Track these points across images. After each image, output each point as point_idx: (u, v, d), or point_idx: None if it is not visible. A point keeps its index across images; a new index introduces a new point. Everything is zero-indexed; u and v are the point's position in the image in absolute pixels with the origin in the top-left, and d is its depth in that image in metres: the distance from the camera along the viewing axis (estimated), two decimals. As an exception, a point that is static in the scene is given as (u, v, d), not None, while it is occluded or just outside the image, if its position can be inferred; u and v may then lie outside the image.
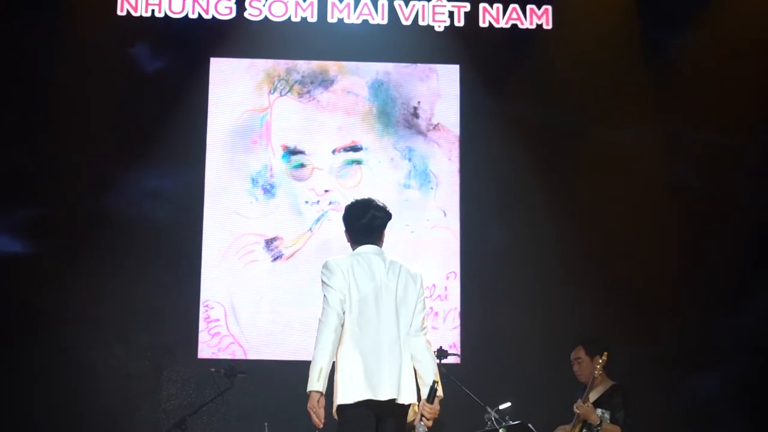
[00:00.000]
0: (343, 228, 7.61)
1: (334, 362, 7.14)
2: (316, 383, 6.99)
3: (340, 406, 7.10)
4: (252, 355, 11.80)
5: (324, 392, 7.00)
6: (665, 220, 11.91)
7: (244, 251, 12.03)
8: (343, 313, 7.18)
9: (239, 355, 11.78)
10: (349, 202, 7.63)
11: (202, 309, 11.86)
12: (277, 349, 11.76)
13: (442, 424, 9.74)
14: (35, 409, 11.25)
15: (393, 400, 7.10)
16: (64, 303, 11.44)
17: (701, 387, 11.52)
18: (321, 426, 7.07)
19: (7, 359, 11.34)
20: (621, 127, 11.92)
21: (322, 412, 7.03)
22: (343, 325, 7.17)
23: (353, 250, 7.50)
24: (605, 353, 8.89)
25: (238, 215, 12.08)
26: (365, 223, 7.47)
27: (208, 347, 11.81)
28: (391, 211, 7.60)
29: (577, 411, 8.79)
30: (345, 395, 7.08)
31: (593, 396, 9.03)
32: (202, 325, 11.83)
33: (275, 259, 12.04)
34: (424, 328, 7.35)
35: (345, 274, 7.23)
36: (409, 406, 7.20)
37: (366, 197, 7.62)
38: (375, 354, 7.12)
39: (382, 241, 7.55)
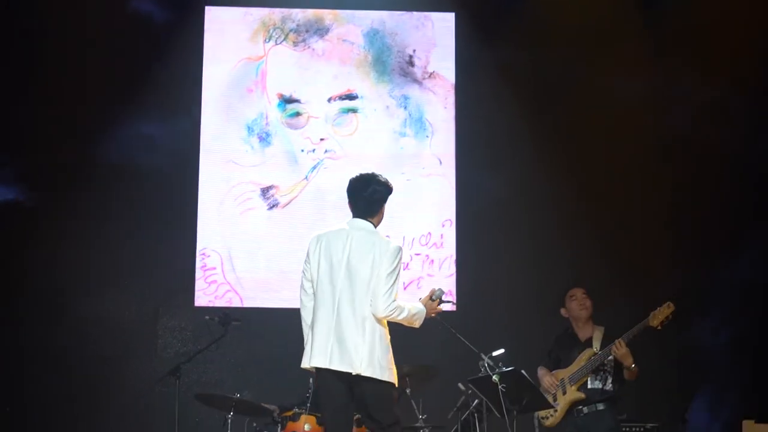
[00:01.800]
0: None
1: None
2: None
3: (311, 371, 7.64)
4: (248, 303, 11.88)
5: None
6: (659, 169, 11.93)
7: (240, 199, 12.07)
8: (312, 291, 7.64)
9: (236, 303, 11.85)
10: (353, 176, 7.82)
11: (198, 257, 11.92)
12: (274, 297, 11.82)
13: (437, 371, 9.85)
14: (31, 358, 11.34)
15: (349, 373, 7.44)
16: (59, 251, 11.49)
17: (697, 339, 11.55)
18: None
19: (2, 308, 11.40)
20: (615, 76, 11.89)
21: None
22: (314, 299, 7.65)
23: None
24: (671, 303, 8.80)
25: (233, 164, 12.11)
26: (366, 196, 7.72)
27: (204, 295, 11.88)
28: (392, 185, 7.82)
29: (617, 352, 8.76)
30: (303, 360, 7.57)
31: (595, 342, 9.08)
32: (198, 273, 11.90)
33: (271, 208, 12.08)
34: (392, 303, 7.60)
35: (314, 252, 7.66)
36: (375, 379, 7.47)
37: (370, 172, 7.83)
38: (328, 326, 7.50)
39: (381, 214, 7.81)
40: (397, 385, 7.63)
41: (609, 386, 8.90)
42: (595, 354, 8.95)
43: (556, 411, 8.97)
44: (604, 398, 8.89)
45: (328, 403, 7.56)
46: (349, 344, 7.43)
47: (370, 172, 7.81)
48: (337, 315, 7.48)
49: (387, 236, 7.93)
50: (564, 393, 8.95)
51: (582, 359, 8.99)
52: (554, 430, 9.13)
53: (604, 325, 9.17)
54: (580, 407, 8.90)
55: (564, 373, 9.07)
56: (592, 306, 9.21)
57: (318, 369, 7.48)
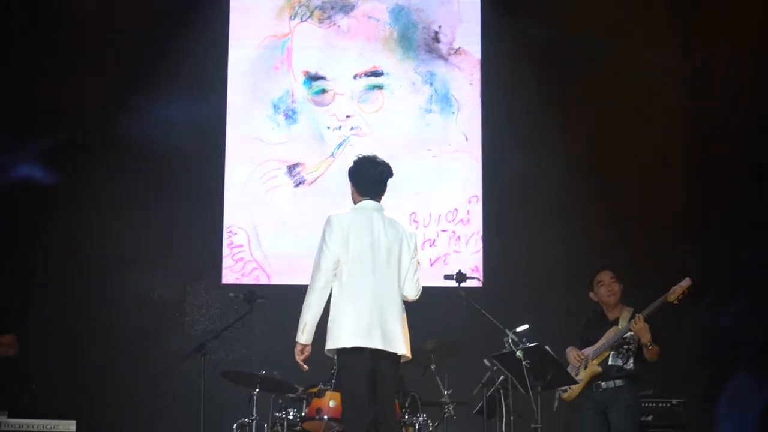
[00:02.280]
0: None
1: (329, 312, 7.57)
2: (300, 336, 7.56)
3: (338, 350, 7.51)
4: (275, 280, 11.91)
5: (308, 344, 7.57)
6: (686, 146, 11.88)
7: (266, 177, 12.10)
8: (335, 273, 7.56)
9: (263, 281, 11.89)
10: (356, 158, 7.86)
11: (225, 235, 11.96)
12: (300, 274, 11.75)
13: (462, 347, 9.86)
14: (57, 337, 11.40)
15: (383, 351, 7.47)
16: (86, 231, 11.56)
17: (726, 318, 11.50)
18: (305, 370, 7.67)
19: (27, 287, 11.47)
20: (642, 50, 11.82)
21: (302, 359, 7.58)
22: (340, 278, 7.56)
23: (355, 204, 7.79)
24: (688, 279, 8.76)
25: (260, 141, 12.13)
26: (374, 177, 7.77)
27: (231, 273, 11.92)
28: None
29: (635, 327, 8.73)
30: (340, 340, 7.48)
31: (622, 322, 9.05)
32: (225, 251, 11.94)
33: (298, 185, 12.11)
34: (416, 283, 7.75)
35: (343, 231, 7.58)
36: (401, 356, 7.58)
37: (370, 153, 7.88)
38: (368, 305, 7.49)
39: (383, 196, 7.85)
40: None
41: (630, 365, 8.85)
42: (618, 330, 8.92)
43: (573, 385, 8.92)
44: (622, 375, 8.84)
45: (362, 382, 7.50)
46: (393, 325, 7.49)
47: (370, 153, 7.87)
48: (378, 295, 7.50)
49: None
50: (585, 367, 8.93)
51: (607, 336, 8.97)
52: (574, 403, 9.11)
53: (633, 306, 9.12)
54: (599, 382, 8.87)
55: (590, 350, 9.06)
56: (620, 290, 9.14)
57: (356, 348, 7.43)
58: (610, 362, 8.88)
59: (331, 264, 7.54)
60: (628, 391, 8.86)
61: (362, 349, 7.43)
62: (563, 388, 9.00)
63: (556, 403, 9.13)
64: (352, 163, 7.87)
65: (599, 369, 8.86)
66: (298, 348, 7.55)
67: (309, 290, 7.57)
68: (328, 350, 7.55)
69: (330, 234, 7.60)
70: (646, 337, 8.69)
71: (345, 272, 7.53)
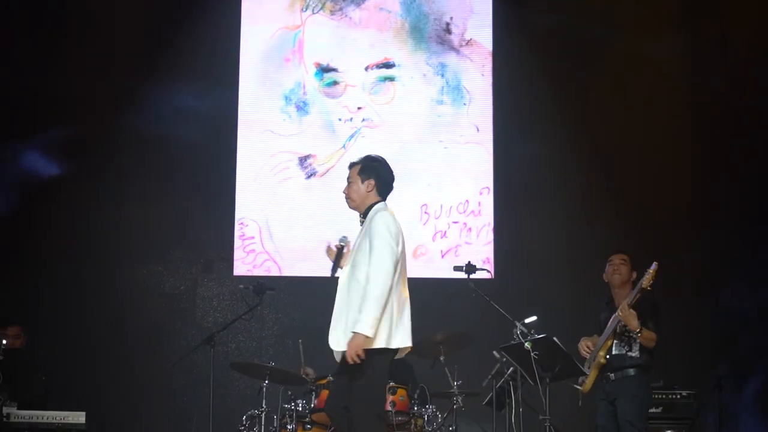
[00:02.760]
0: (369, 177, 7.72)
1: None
2: (370, 331, 7.36)
3: (381, 350, 7.47)
4: (287, 272, 11.93)
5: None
6: (694, 133, 11.85)
7: (278, 169, 12.10)
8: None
9: (274, 272, 11.90)
10: (376, 156, 7.84)
11: (237, 227, 11.98)
12: (312, 266, 11.82)
13: (471, 339, 9.85)
14: (69, 328, 11.43)
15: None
16: (98, 222, 11.61)
17: (731, 307, 11.48)
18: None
19: (39, 279, 11.51)
20: (652, 38, 11.80)
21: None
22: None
23: (377, 201, 7.69)
24: (656, 263, 8.73)
25: (271, 133, 12.13)
26: (392, 180, 7.78)
27: (243, 264, 11.94)
28: None
29: (620, 314, 8.68)
30: (394, 341, 7.49)
31: (620, 308, 9.00)
32: (237, 242, 11.96)
33: (309, 177, 12.11)
34: None
35: (400, 233, 7.59)
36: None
37: (380, 156, 7.87)
38: (409, 309, 7.61)
39: None
40: None
41: (635, 353, 8.76)
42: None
43: (587, 377, 8.88)
44: (629, 365, 8.74)
45: (386, 379, 7.83)
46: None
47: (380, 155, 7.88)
48: (406, 296, 7.63)
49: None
50: (594, 359, 8.88)
51: (611, 323, 8.90)
52: (591, 395, 9.07)
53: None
54: (608, 373, 8.81)
55: (598, 339, 9.01)
56: (628, 272, 9.05)
57: (393, 349, 7.52)
58: (614, 351, 8.78)
59: (396, 265, 7.49)
60: (635, 382, 8.72)
61: (393, 350, 7.56)
62: (580, 380, 8.93)
63: (580, 400, 9.05)
64: (372, 160, 7.80)
65: (603, 361, 8.78)
66: (360, 341, 7.33)
67: (382, 289, 7.38)
68: (375, 348, 7.47)
69: (396, 238, 7.53)
70: (632, 323, 8.58)
71: (396, 274, 7.48)
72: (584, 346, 8.98)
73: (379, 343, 7.43)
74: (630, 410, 8.66)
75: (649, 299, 8.73)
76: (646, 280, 8.56)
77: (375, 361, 7.44)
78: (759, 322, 11.39)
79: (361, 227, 7.72)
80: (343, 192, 7.82)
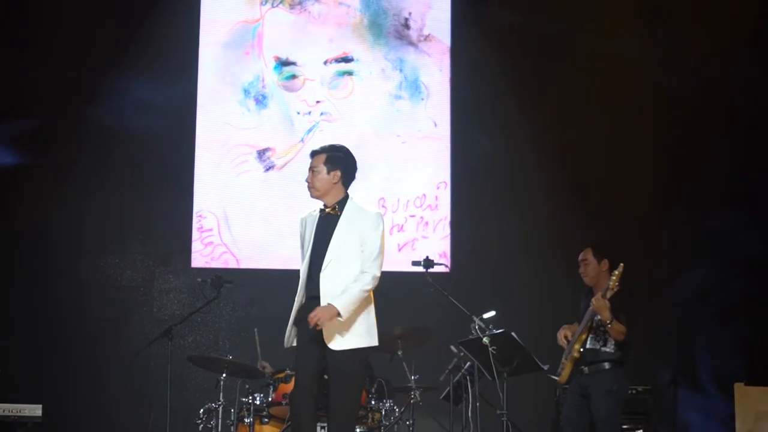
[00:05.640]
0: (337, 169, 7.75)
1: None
2: (344, 312, 7.48)
3: (368, 348, 7.67)
4: (245, 264, 11.94)
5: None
6: (652, 127, 11.95)
7: (236, 162, 12.11)
8: None
9: (232, 264, 11.91)
10: (340, 147, 7.85)
11: (195, 219, 11.96)
12: (270, 258, 11.87)
13: (429, 333, 9.88)
14: (26, 321, 11.38)
15: None
16: (55, 214, 11.54)
17: (687, 301, 11.59)
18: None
19: (1, 269, 11.46)
20: (609, 36, 11.90)
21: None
22: None
23: (343, 192, 7.74)
24: (621, 265, 8.68)
25: (230, 126, 12.14)
26: (355, 169, 7.85)
27: (201, 257, 11.94)
28: None
29: (594, 304, 8.59)
30: (376, 339, 7.68)
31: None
32: (195, 234, 11.95)
33: (267, 170, 12.12)
34: None
35: None
36: None
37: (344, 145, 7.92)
38: None
39: None
40: None
41: (609, 348, 8.65)
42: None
43: (563, 368, 8.78)
44: (603, 359, 8.65)
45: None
46: None
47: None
48: None
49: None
50: (570, 351, 8.76)
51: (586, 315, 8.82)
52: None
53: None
54: (582, 367, 8.66)
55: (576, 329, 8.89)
56: (595, 267, 8.89)
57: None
58: (588, 345, 8.63)
59: None
60: (609, 376, 8.60)
61: None
62: (558, 371, 8.84)
63: (557, 390, 9.02)
64: (337, 150, 7.79)
65: (577, 354, 8.66)
66: (333, 314, 7.41)
67: (370, 290, 7.59)
68: (365, 348, 7.62)
69: (383, 233, 7.72)
70: (604, 314, 8.44)
71: None
72: (563, 335, 8.79)
73: (375, 342, 7.64)
74: (604, 406, 8.54)
75: (626, 293, 8.66)
76: (612, 282, 8.50)
77: (362, 361, 7.64)
78: (714, 317, 11.50)
79: (321, 216, 7.72)
80: (306, 181, 7.77)
